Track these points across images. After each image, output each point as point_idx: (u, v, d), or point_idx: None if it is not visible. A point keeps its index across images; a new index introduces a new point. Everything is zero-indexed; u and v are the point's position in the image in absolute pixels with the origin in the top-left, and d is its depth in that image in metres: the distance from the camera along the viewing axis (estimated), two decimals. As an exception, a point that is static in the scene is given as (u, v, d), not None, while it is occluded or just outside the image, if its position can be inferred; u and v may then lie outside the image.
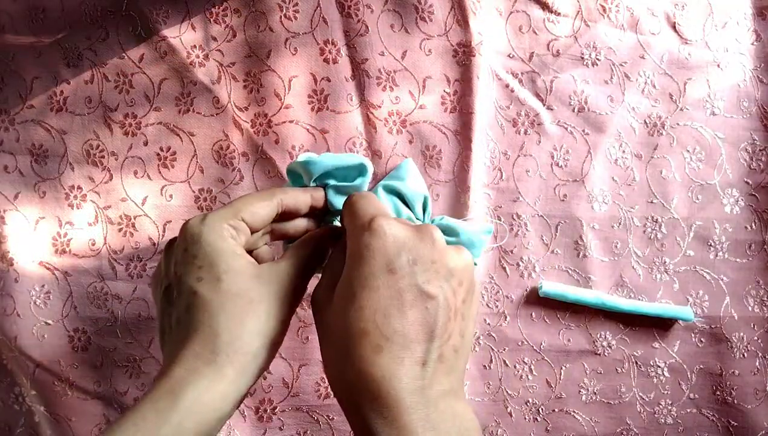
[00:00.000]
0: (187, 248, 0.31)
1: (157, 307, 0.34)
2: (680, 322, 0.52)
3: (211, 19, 0.50)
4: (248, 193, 0.42)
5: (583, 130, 0.52)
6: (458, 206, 0.50)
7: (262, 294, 0.30)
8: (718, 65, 0.53)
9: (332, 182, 0.37)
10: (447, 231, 0.40)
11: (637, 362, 0.52)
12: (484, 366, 0.51)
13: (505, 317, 0.51)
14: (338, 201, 0.37)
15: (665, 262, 0.52)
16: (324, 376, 0.50)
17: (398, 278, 0.28)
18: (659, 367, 0.52)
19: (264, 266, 0.32)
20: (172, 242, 0.34)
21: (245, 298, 0.30)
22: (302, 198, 0.36)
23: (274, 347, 0.30)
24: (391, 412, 0.26)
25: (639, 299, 0.52)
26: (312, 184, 0.37)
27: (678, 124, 0.52)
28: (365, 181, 0.38)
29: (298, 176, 0.38)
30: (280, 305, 0.31)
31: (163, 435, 0.26)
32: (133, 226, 0.51)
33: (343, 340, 0.28)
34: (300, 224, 0.37)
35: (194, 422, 0.27)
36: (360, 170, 0.38)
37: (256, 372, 0.30)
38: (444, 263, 0.30)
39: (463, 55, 0.51)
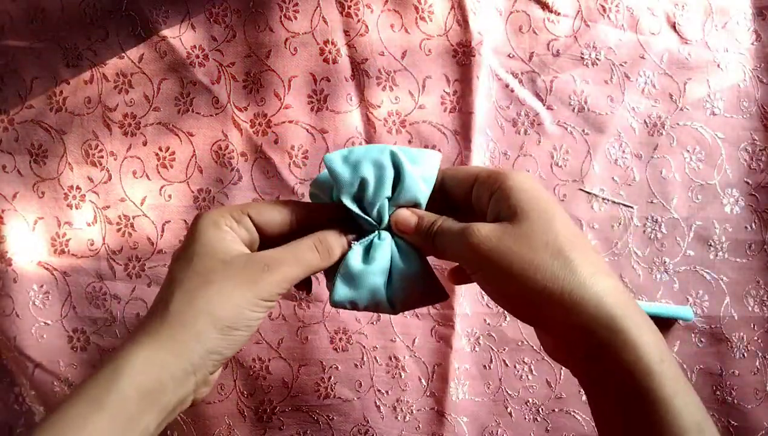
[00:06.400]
0: (188, 232, 0.33)
1: None
2: (680, 322, 0.52)
3: (211, 19, 0.50)
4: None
5: (583, 130, 0.52)
6: (458, 206, 0.50)
7: (222, 277, 0.30)
8: (718, 65, 0.52)
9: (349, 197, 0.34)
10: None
11: (637, 363, 0.52)
12: (484, 366, 0.51)
13: (505, 317, 0.51)
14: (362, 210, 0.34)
15: (665, 262, 0.52)
16: (324, 376, 0.50)
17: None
18: (659, 367, 0.52)
19: (239, 253, 0.32)
20: None
21: (204, 277, 0.30)
22: (317, 211, 0.35)
23: (227, 330, 0.30)
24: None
25: (639, 299, 0.52)
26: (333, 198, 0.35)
27: (678, 124, 0.52)
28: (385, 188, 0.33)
29: (317, 197, 0.37)
30: (239, 291, 0.30)
31: (109, 402, 0.27)
32: (132, 226, 0.51)
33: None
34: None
35: (136, 390, 0.27)
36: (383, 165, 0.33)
37: (201, 352, 0.29)
38: None
39: (463, 55, 0.51)
